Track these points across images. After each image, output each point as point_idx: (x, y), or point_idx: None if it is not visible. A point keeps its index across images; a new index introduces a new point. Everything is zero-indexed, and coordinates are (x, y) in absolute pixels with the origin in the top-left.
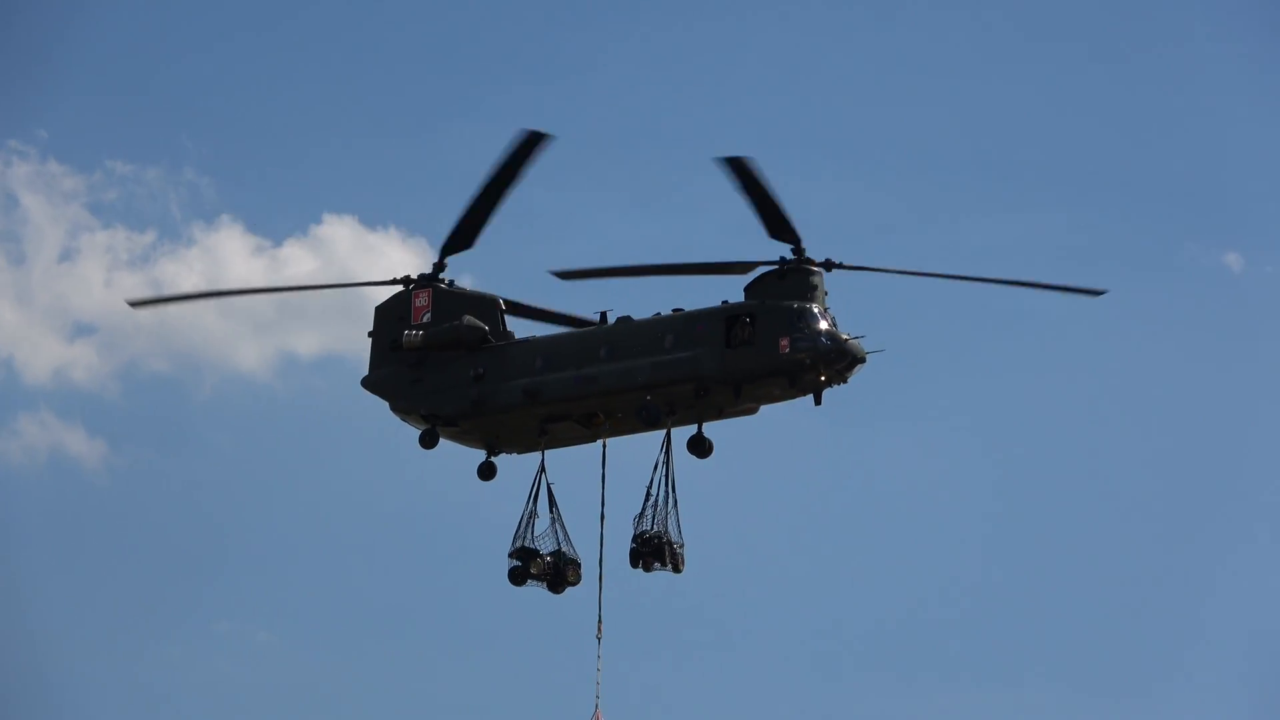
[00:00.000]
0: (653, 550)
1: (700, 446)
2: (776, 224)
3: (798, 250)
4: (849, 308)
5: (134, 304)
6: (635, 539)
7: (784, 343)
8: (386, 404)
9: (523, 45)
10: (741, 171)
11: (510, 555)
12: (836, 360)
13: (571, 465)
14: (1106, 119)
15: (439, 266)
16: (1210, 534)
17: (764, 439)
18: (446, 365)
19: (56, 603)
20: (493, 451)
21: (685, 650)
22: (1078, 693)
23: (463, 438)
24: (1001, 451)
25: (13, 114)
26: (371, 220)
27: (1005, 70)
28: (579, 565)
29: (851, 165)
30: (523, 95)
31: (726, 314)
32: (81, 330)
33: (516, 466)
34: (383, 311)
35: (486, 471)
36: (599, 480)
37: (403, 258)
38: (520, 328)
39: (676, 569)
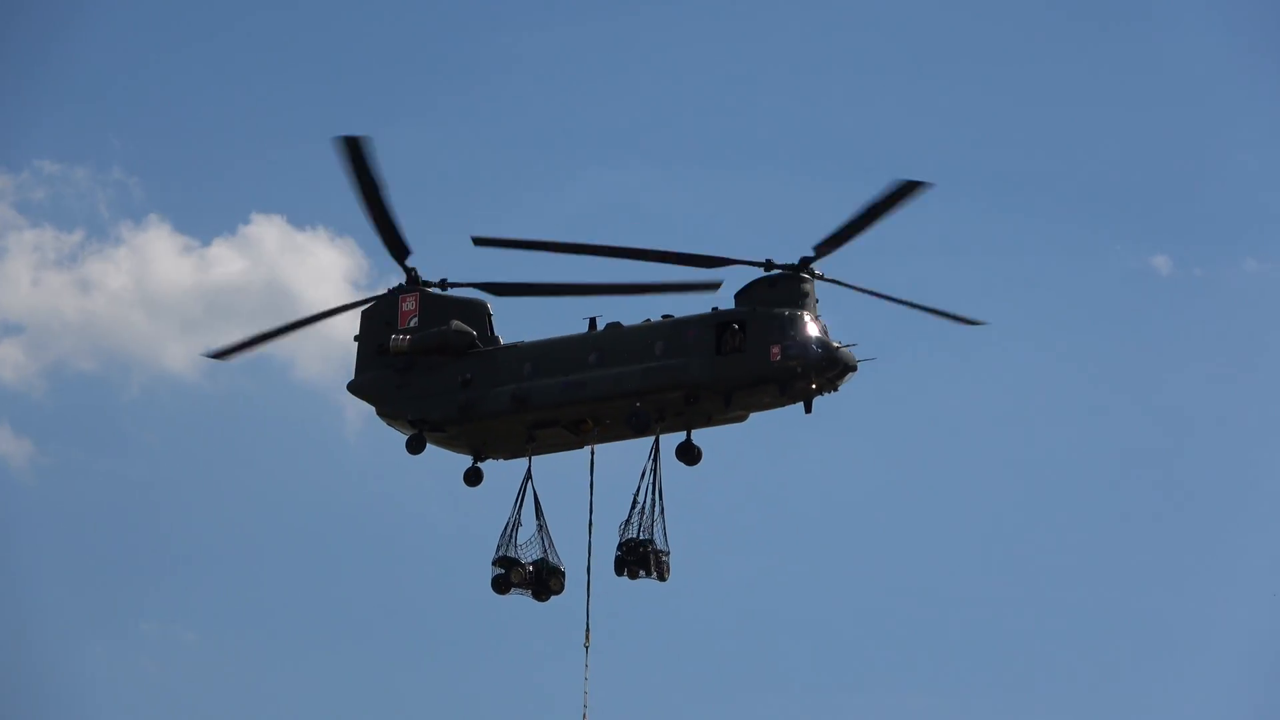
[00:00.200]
0: (638, 558)
1: (689, 454)
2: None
3: (805, 262)
4: (839, 315)
5: (213, 355)
6: (621, 547)
7: (775, 350)
8: (372, 408)
9: (452, 47)
10: (902, 194)
11: (494, 563)
12: (828, 368)
13: (559, 471)
14: (1034, 119)
15: (410, 272)
16: (1153, 536)
17: (753, 446)
18: (434, 370)
19: None
20: (479, 457)
21: (671, 660)
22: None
23: (450, 443)
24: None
25: None
26: (300, 220)
27: (937, 70)
28: (563, 574)
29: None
30: (450, 98)
31: (717, 321)
32: (8, 330)
33: (503, 472)
34: (369, 315)
35: (473, 477)
36: (585, 486)
37: (331, 258)
38: (515, 329)
39: (662, 577)
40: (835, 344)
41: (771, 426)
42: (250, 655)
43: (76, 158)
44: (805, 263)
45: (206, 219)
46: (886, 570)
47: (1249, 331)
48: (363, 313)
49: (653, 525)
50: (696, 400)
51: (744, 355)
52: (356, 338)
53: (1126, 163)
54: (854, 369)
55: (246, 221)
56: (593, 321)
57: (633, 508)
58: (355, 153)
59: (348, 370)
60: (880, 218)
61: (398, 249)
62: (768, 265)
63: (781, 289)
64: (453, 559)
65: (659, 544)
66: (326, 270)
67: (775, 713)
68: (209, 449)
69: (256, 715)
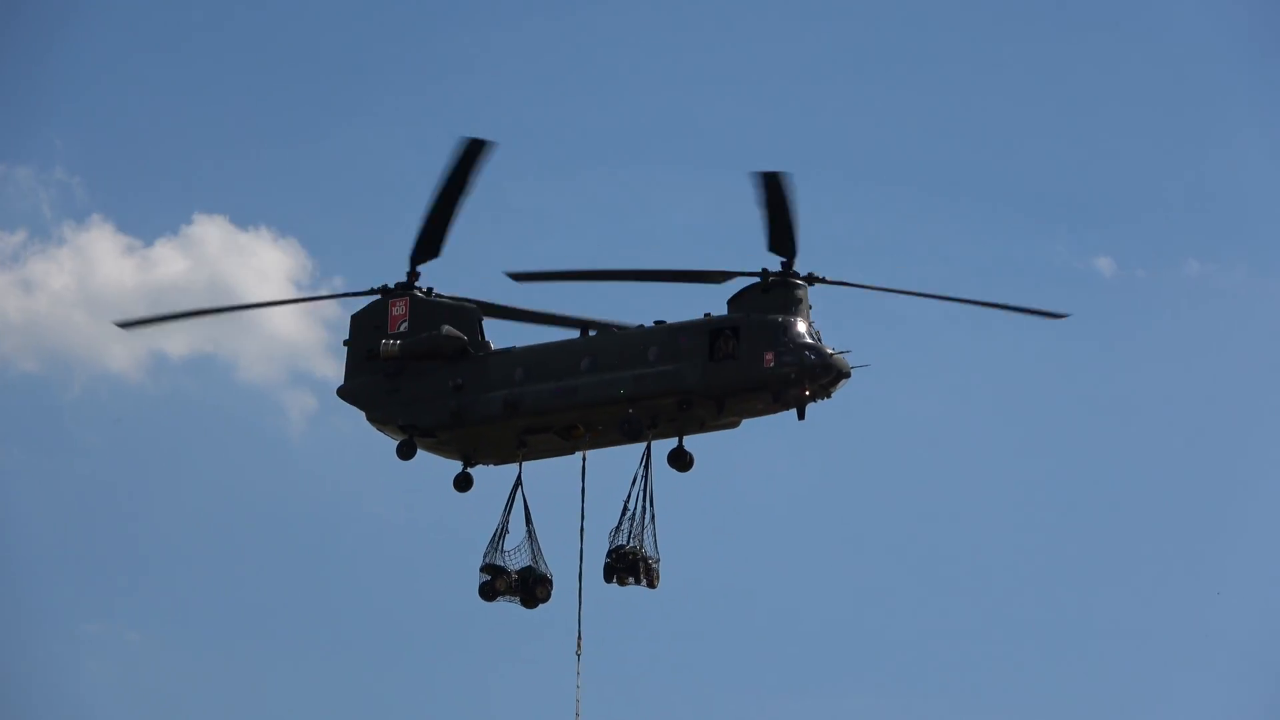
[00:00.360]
0: (627, 566)
1: (681, 460)
2: (784, 240)
3: (787, 265)
4: (831, 322)
5: (122, 325)
6: (610, 554)
7: (769, 357)
8: (363, 414)
9: (395, 48)
10: (774, 186)
11: (481, 570)
12: (821, 375)
13: (548, 477)
14: (976, 121)
15: (412, 275)
16: (1107, 538)
17: (745, 453)
18: (424, 375)
19: None
20: (469, 462)
21: (661, 668)
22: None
23: (440, 449)
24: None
25: None
26: (242, 220)
27: (878, 73)
28: (550, 582)
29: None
30: (394, 99)
31: (710, 327)
32: None
33: (493, 477)
34: (358, 320)
35: (463, 482)
36: (576, 492)
37: (274, 258)
38: (503, 332)
39: (651, 584)
40: (829, 350)
41: (764, 433)
42: (192, 657)
43: (19, 158)
44: (810, 279)
45: (149, 219)
46: (879, 577)
47: (1191, 333)
48: (352, 317)
49: (643, 532)
50: (689, 407)
51: (737, 362)
52: (346, 342)
53: (1069, 164)
54: (848, 375)
55: (189, 222)
56: (584, 328)
57: (623, 514)
58: (473, 153)
59: (291, 370)
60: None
61: (431, 250)
62: (764, 274)
63: (774, 295)
64: (397, 558)
65: (649, 551)
66: (269, 270)
67: None
68: (151, 449)
69: None
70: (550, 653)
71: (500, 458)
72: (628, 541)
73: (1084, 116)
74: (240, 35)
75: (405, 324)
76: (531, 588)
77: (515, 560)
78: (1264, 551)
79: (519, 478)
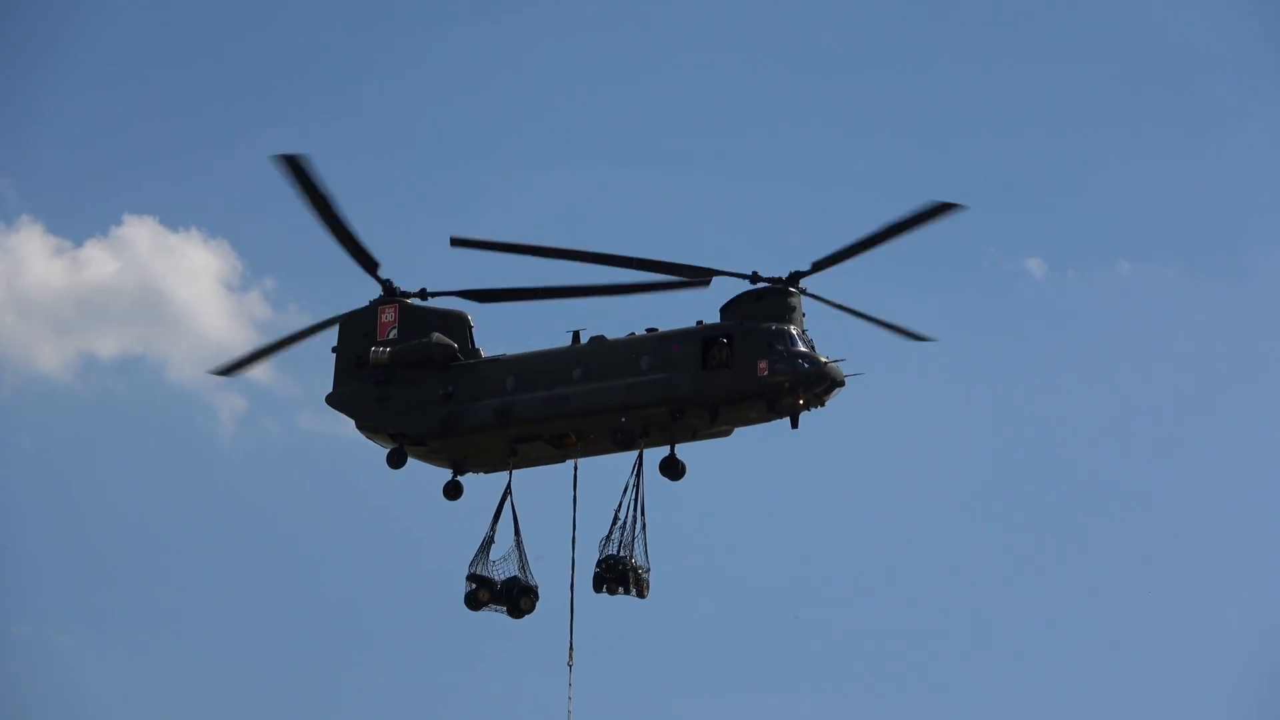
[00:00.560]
0: (617, 576)
1: (673, 469)
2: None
3: (792, 277)
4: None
5: (217, 372)
6: (600, 563)
7: (762, 365)
8: (352, 421)
9: (323, 50)
10: (927, 215)
11: (468, 579)
12: (816, 384)
13: (540, 485)
14: (909, 124)
15: (388, 285)
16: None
17: (738, 461)
18: (415, 383)
19: None
20: (459, 470)
21: (650, 679)
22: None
23: (430, 457)
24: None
25: None
26: (173, 221)
27: (804, 73)
28: (535, 593)
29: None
30: (322, 100)
31: (703, 335)
32: None
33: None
34: (347, 327)
35: (452, 491)
36: (566, 501)
37: (204, 259)
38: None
39: (641, 594)
40: (823, 359)
41: (756, 441)
42: (122, 661)
43: None
44: (794, 276)
45: (79, 220)
46: (871, 587)
47: (1123, 333)
48: (340, 324)
49: (633, 541)
50: (682, 415)
51: (731, 370)
52: (334, 349)
53: (1000, 166)
54: (842, 384)
55: (119, 223)
56: (576, 335)
57: (614, 523)
58: (297, 170)
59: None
60: (896, 237)
61: (366, 262)
62: (754, 277)
63: (768, 303)
64: (329, 559)
65: (639, 561)
66: (199, 272)
67: None
68: (81, 450)
69: None
70: (541, 663)
71: (491, 466)
72: (618, 551)
73: (1014, 117)
74: (169, 37)
75: (395, 331)
76: (516, 599)
77: (501, 570)
78: (1195, 546)
79: (508, 486)
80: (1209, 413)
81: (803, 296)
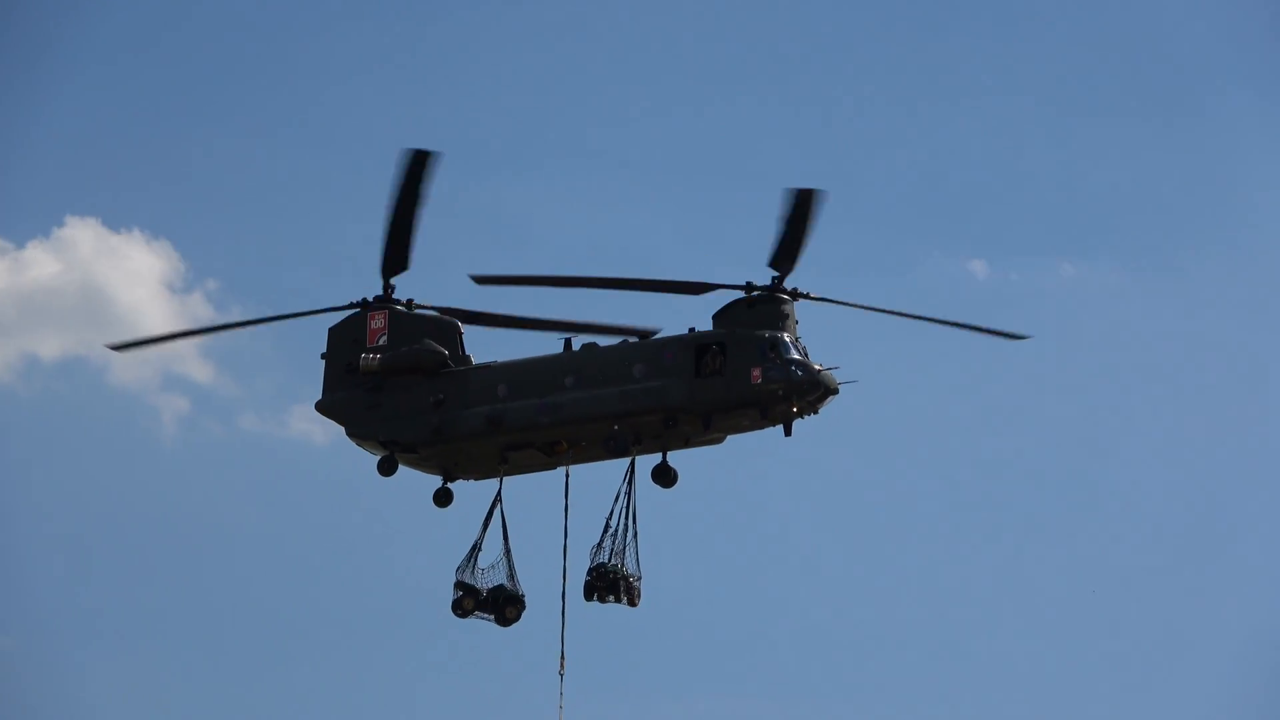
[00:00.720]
0: (608, 584)
1: (665, 476)
2: (789, 256)
3: (778, 281)
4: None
5: (114, 347)
6: (590, 571)
7: (756, 373)
8: (342, 429)
9: (265, 51)
10: (804, 202)
11: (455, 586)
12: (809, 392)
13: (531, 492)
14: (851, 126)
15: (388, 289)
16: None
17: (730, 469)
18: (405, 390)
19: None
20: (449, 478)
21: (641, 688)
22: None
23: (421, 464)
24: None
25: None
26: (115, 223)
27: (748, 79)
28: (521, 602)
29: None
30: (265, 101)
31: (696, 342)
32: None
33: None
34: (336, 333)
35: (443, 498)
36: (557, 508)
37: (147, 260)
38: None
39: (632, 603)
40: (816, 366)
41: (749, 449)
42: (63, 664)
43: None
44: (794, 294)
45: (20, 221)
46: (864, 595)
47: (1066, 335)
48: (330, 330)
49: (624, 549)
50: (675, 423)
51: (724, 378)
52: (323, 355)
53: (942, 168)
54: (835, 392)
55: (61, 224)
56: (568, 342)
57: (605, 531)
58: (419, 165)
59: (164, 372)
60: (798, 227)
61: (399, 264)
62: (748, 288)
63: (760, 310)
64: (274, 562)
65: (630, 569)
66: (142, 273)
67: None
68: (23, 452)
69: None
70: (532, 672)
71: (481, 473)
72: (609, 559)
73: (955, 119)
74: (111, 37)
75: (384, 337)
76: (501, 607)
77: (489, 578)
78: (1128, 545)
79: (498, 494)
80: (1152, 411)
81: (817, 301)
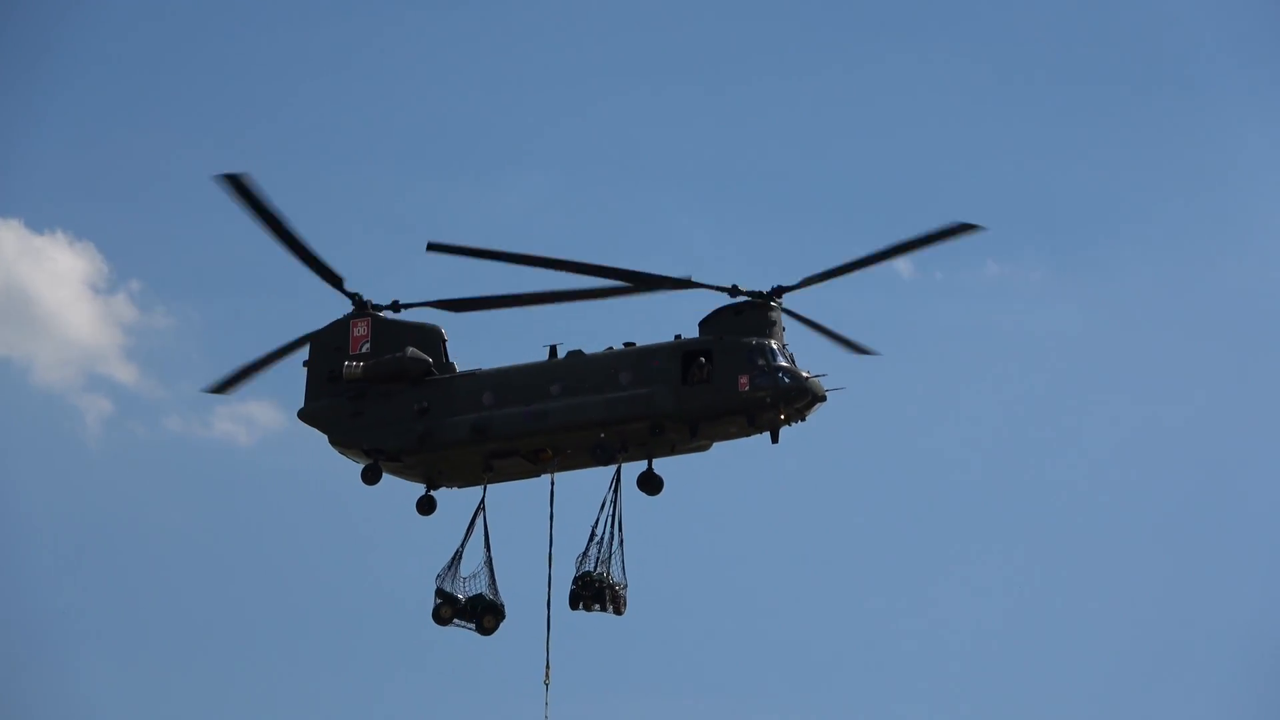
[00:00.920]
0: (594, 593)
1: (650, 483)
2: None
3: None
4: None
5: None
6: (576, 580)
7: (743, 380)
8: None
9: (187, 49)
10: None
11: (435, 594)
12: (797, 399)
13: (515, 500)
14: (778, 126)
15: (359, 299)
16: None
17: (716, 476)
18: (389, 398)
19: None
20: (432, 485)
21: (627, 697)
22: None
23: (404, 472)
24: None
25: None
26: (38, 224)
27: (677, 77)
28: (500, 611)
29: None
30: (189, 101)
31: (683, 350)
32: None
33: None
34: (319, 341)
35: (426, 506)
36: (541, 516)
37: (70, 262)
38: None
39: (618, 611)
40: (804, 374)
41: (735, 456)
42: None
43: None
44: (775, 290)
45: None
46: (852, 603)
47: (990, 334)
48: (311, 339)
49: (610, 557)
50: (662, 431)
51: (711, 385)
52: (305, 364)
53: (864, 166)
54: (823, 399)
55: None
56: (553, 349)
57: (591, 539)
58: (242, 190)
59: (87, 373)
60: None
61: (330, 278)
62: (734, 290)
63: (748, 317)
64: (191, 563)
65: (616, 577)
66: (65, 274)
67: None
68: None
69: None
70: (517, 681)
71: (465, 481)
72: (595, 567)
73: (878, 117)
74: (31, 34)
75: (367, 345)
76: (479, 616)
77: (470, 588)
78: (1046, 549)
79: (482, 502)
80: (1078, 410)
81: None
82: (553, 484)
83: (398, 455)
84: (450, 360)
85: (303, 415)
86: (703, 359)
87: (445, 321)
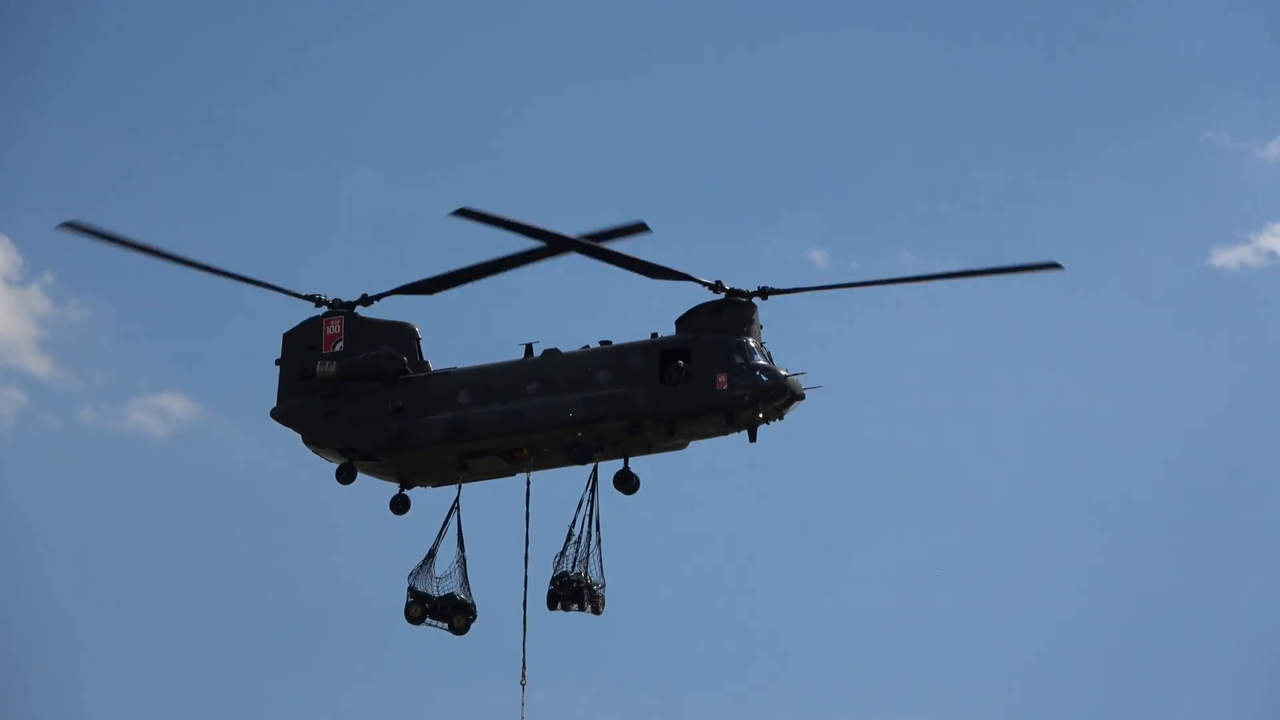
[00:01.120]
0: (571, 593)
1: (627, 482)
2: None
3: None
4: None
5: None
6: (554, 580)
7: (722, 379)
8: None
9: (99, 40)
10: None
11: (408, 592)
12: (776, 397)
13: (491, 499)
14: (688, 115)
15: (320, 299)
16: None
17: (693, 475)
18: (363, 397)
19: None
20: (406, 485)
21: (606, 697)
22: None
23: (378, 471)
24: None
25: None
26: None
27: (582, 69)
28: (471, 611)
29: None
30: (101, 92)
31: (660, 348)
32: None
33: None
34: (291, 339)
35: (400, 505)
36: (517, 515)
37: None
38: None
39: (596, 611)
40: (783, 372)
41: (713, 455)
42: None
43: None
44: (763, 292)
45: None
46: (830, 603)
47: (905, 323)
48: (284, 336)
49: (588, 557)
50: (639, 430)
51: (689, 384)
52: (278, 362)
53: (781, 156)
54: (802, 398)
55: None
56: (529, 348)
57: (568, 539)
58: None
59: None
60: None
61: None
62: (717, 286)
63: (726, 315)
64: (107, 556)
65: (594, 577)
66: None
67: None
68: None
69: None
70: (493, 683)
71: (440, 480)
72: (572, 567)
73: (791, 107)
74: None
75: (340, 343)
76: (449, 616)
77: (443, 587)
78: (1023, 544)
79: (456, 501)
80: (989, 401)
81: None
82: (528, 483)
83: (372, 455)
84: (425, 359)
85: (276, 415)
86: (681, 360)
87: (420, 319)
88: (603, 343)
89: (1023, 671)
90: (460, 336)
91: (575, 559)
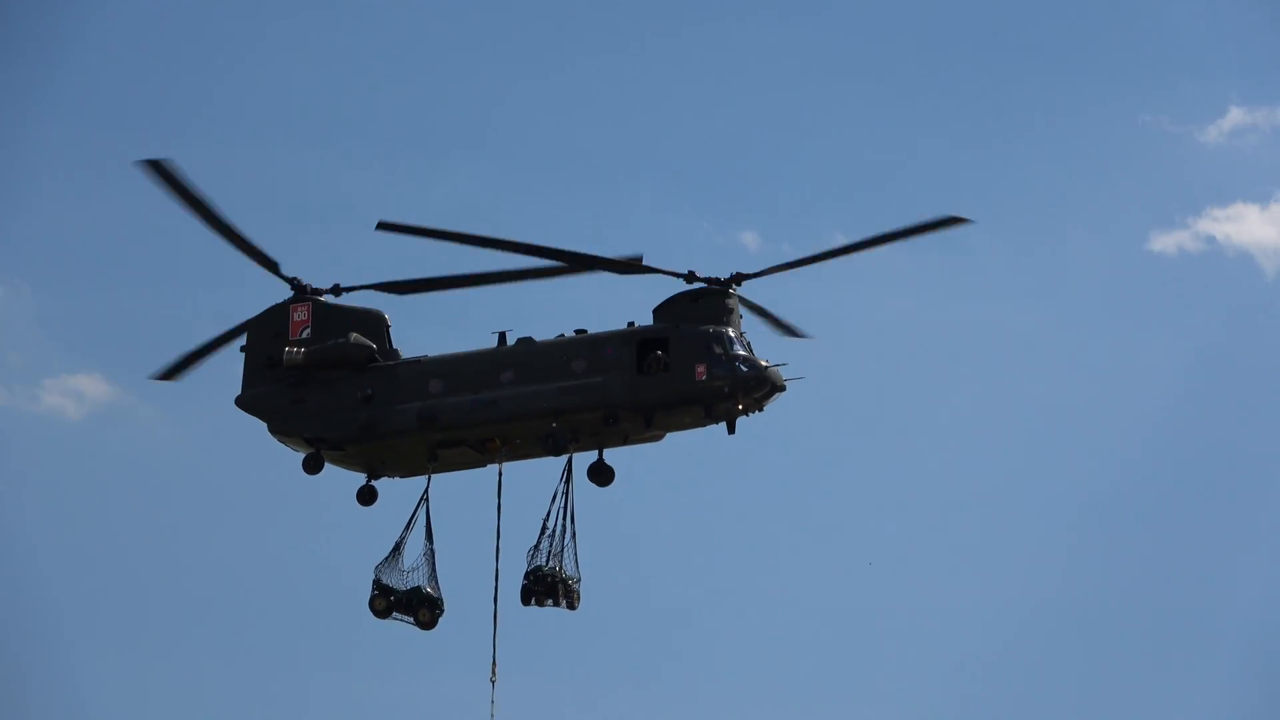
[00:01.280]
0: (546, 587)
1: (601, 475)
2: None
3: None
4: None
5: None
6: (528, 575)
7: (700, 369)
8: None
9: (99, 23)
10: None
11: (373, 585)
12: (755, 388)
13: (461, 491)
14: (620, 98)
15: (298, 283)
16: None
17: (670, 467)
18: (331, 385)
19: None
20: (374, 475)
21: (581, 693)
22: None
23: (346, 461)
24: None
25: None
26: None
27: (512, 50)
28: (437, 605)
29: None
30: (75, 89)
31: (637, 338)
32: None
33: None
34: (257, 326)
35: (367, 496)
36: (487, 507)
37: None
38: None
39: (571, 606)
40: (763, 363)
41: (690, 446)
42: None
43: None
44: (737, 278)
45: None
46: (808, 596)
47: (836, 305)
48: (249, 324)
49: (562, 551)
50: (615, 421)
51: (667, 374)
52: (243, 349)
53: (711, 138)
54: (782, 389)
55: None
56: (502, 336)
57: (542, 533)
58: (165, 176)
59: None
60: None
61: (265, 262)
62: (690, 276)
63: (704, 305)
64: (20, 538)
65: (569, 571)
66: None
67: None
68: None
69: None
70: (462, 679)
71: (409, 470)
72: (546, 561)
73: (724, 89)
74: None
75: (308, 330)
76: (415, 610)
77: (409, 580)
78: (1006, 535)
79: (425, 493)
80: (929, 388)
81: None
82: (500, 474)
83: (340, 444)
84: (394, 347)
85: (240, 402)
86: (659, 350)
87: (389, 306)
88: (578, 331)
89: (996, 664)
90: (431, 324)
91: (549, 553)
